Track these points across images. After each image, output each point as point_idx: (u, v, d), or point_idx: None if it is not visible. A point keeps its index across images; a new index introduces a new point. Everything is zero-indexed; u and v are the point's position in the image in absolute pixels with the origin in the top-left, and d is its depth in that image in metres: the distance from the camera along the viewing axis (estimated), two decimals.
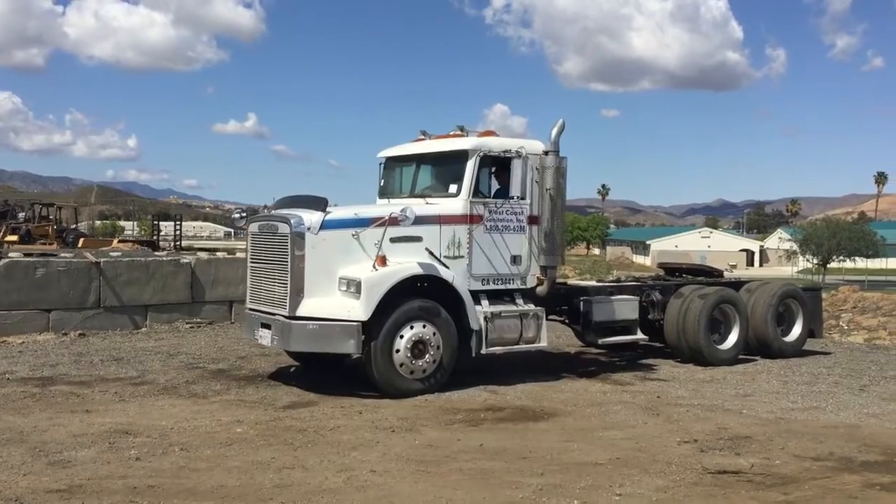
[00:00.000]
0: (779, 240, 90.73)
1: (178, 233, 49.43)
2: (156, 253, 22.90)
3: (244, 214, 11.88)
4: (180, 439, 7.85)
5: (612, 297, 12.55)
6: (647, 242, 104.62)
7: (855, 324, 19.05)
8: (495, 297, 11.03)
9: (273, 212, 11.09)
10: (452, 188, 10.95)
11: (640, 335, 12.70)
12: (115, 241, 37.59)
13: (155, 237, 46.94)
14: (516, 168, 10.77)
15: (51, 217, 41.83)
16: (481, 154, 10.85)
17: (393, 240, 10.16)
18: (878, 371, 12.99)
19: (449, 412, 9.32)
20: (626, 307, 12.54)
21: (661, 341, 13.58)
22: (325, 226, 10.01)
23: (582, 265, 52.14)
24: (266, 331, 10.30)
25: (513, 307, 11.05)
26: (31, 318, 14.33)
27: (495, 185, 11.24)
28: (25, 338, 13.89)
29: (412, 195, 11.57)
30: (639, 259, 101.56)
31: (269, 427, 8.42)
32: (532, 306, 11.18)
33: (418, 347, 10.03)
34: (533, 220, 11.24)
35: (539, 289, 11.37)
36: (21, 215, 40.48)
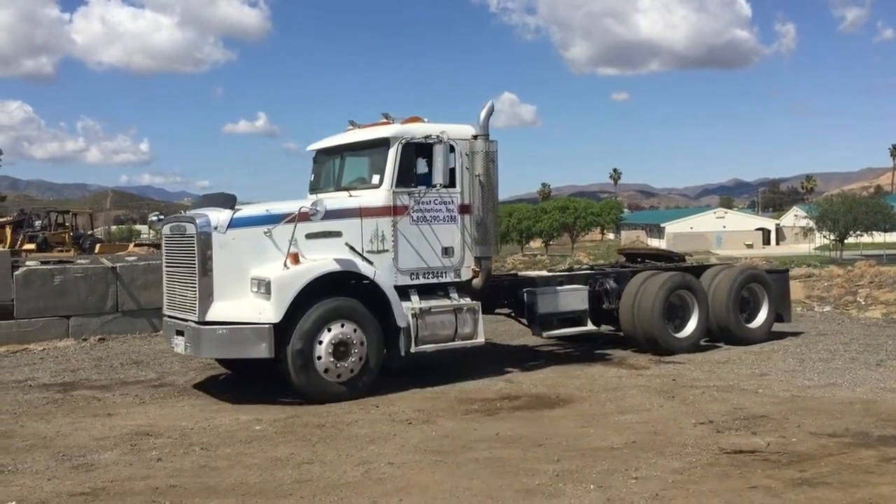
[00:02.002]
0: (795, 217, 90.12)
1: None
2: None
3: (161, 216, 11.42)
4: (200, 439, 7.96)
5: (560, 288, 12.01)
6: (662, 225, 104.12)
7: (872, 299, 18.94)
8: (428, 291, 10.52)
9: (183, 212, 10.72)
10: (375, 179, 10.45)
11: (590, 326, 12.12)
12: (132, 245, 37.89)
13: None
14: (438, 154, 10.13)
15: (67, 224, 42.15)
16: (403, 141, 10.33)
17: (309, 236, 9.71)
18: (895, 346, 12.94)
19: (465, 402, 9.38)
20: (574, 297, 11.98)
21: (618, 330, 13.19)
22: (233, 224, 9.52)
23: (596, 250, 52.00)
24: (180, 338, 9.77)
25: (446, 302, 10.53)
26: (51, 325, 14.53)
27: (424, 174, 10.66)
28: (46, 344, 14.09)
29: (338, 188, 11.10)
30: (654, 242, 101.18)
31: (287, 424, 8.52)
32: (468, 300, 10.67)
33: (341, 349, 9.46)
34: (464, 209, 10.73)
35: (475, 281, 10.84)
36: (37, 223, 40.81)
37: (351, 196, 10.48)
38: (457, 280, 10.75)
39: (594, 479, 6.46)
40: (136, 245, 37.70)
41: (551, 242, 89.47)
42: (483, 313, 11.33)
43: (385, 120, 10.96)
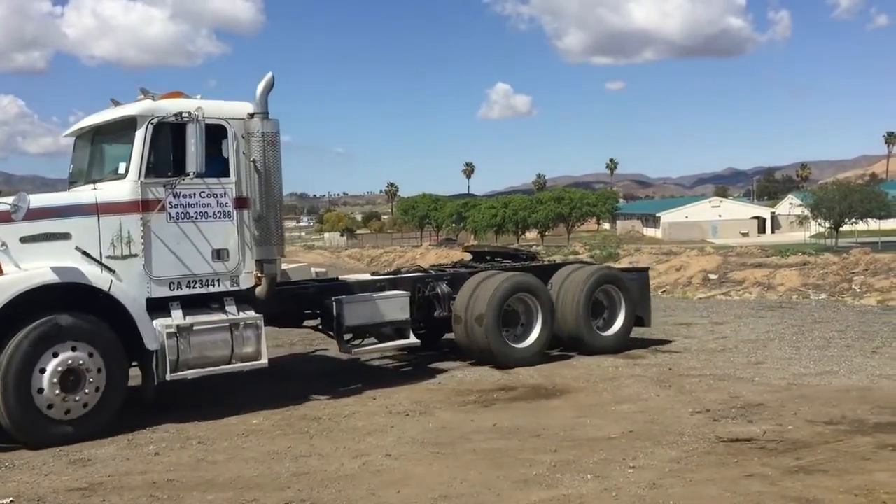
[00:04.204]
0: (790, 205, 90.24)
1: None
2: None
3: None
4: (198, 433, 7.97)
5: (375, 295, 10.27)
6: (658, 215, 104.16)
7: (867, 286, 18.97)
8: (198, 304, 8.77)
9: None
10: (122, 167, 8.64)
11: (412, 339, 10.43)
12: None
13: None
14: (192, 135, 8.32)
15: None
16: (154, 121, 8.51)
17: (25, 240, 7.96)
18: (890, 332, 12.98)
19: (462, 394, 9.39)
20: (391, 306, 10.19)
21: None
22: None
23: (592, 241, 52.06)
24: None
25: (219, 317, 8.72)
26: None
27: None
28: None
29: (88, 180, 9.25)
30: (650, 232, 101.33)
31: (284, 417, 8.53)
32: (251, 313, 8.90)
33: (70, 378, 7.73)
34: (241, 202, 8.96)
35: (258, 290, 9.08)
36: None
37: (95, 189, 8.72)
38: (235, 289, 8.96)
39: (591, 468, 6.47)
40: None
41: (547, 233, 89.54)
42: (287, 327, 10.44)
43: (142, 96, 8.97)
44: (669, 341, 12.80)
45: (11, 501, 6.10)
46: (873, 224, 71.50)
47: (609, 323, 12.07)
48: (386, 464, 6.80)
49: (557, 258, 30.04)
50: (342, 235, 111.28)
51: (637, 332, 13.67)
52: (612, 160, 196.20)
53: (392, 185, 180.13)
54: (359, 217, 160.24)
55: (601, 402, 8.84)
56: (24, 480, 6.60)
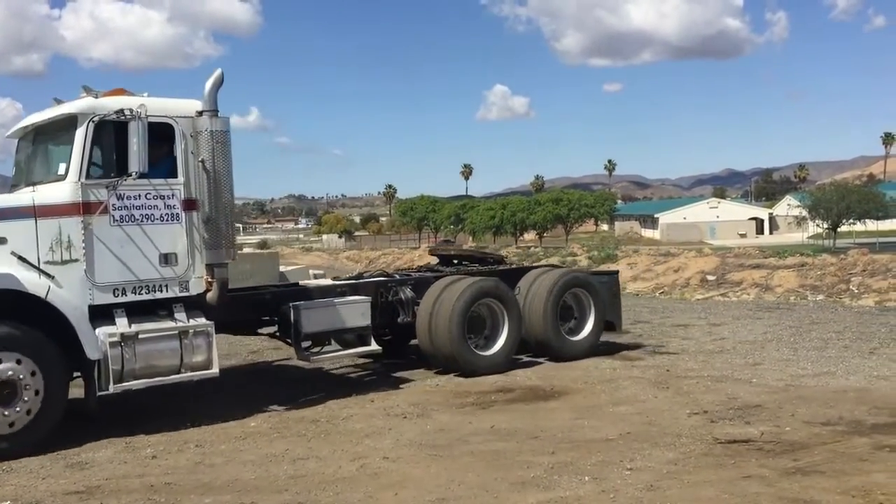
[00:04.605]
0: (788, 206, 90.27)
1: None
2: None
3: None
4: (195, 436, 7.96)
5: (334, 301, 9.90)
6: (656, 216, 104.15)
7: (865, 287, 19.00)
8: (146, 311, 8.39)
9: None
10: (62, 168, 8.29)
11: (373, 346, 10.08)
12: None
13: None
14: (133, 134, 7.96)
15: None
16: (96, 119, 8.17)
17: None
18: (887, 333, 13.00)
19: (460, 395, 9.39)
20: (351, 312, 9.85)
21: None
22: None
23: (590, 242, 52.07)
24: None
25: (167, 324, 8.36)
26: None
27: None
28: None
29: (28, 182, 8.91)
30: (648, 233, 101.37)
31: (282, 420, 8.53)
32: (201, 320, 8.53)
33: (5, 391, 7.46)
34: (190, 204, 8.61)
35: (209, 295, 8.70)
36: None
37: (34, 192, 8.35)
38: (184, 295, 8.61)
39: (589, 470, 6.47)
40: None
41: (545, 234, 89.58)
42: (243, 334, 10.12)
43: (84, 94, 8.60)
44: (667, 342, 12.80)
45: None
46: (871, 225, 71.56)
47: (578, 327, 11.77)
48: (384, 466, 6.80)
49: (555, 259, 30.09)
50: (340, 237, 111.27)
51: (635, 333, 13.68)
52: (610, 161, 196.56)
53: (390, 186, 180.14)
54: (357, 219, 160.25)
55: (599, 403, 8.84)
56: (21, 484, 6.60)
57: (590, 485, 6.13)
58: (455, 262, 13.03)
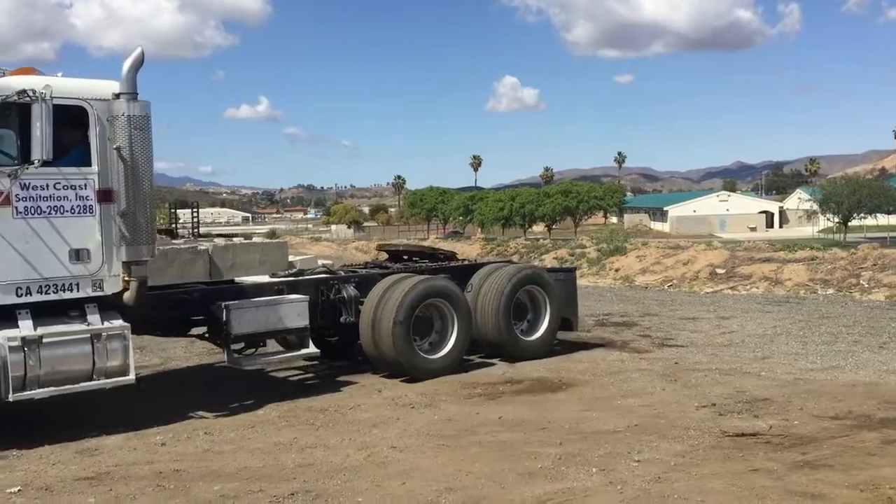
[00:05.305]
0: (798, 200, 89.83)
1: (195, 220, 49.99)
2: (174, 241, 23.11)
3: None
4: (204, 423, 8.00)
5: (268, 300, 9.25)
6: (665, 209, 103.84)
7: (875, 281, 18.92)
8: (56, 312, 7.68)
9: None
10: None
11: (311, 349, 9.36)
12: None
13: (173, 225, 47.41)
14: (37, 117, 7.29)
15: None
16: None
17: None
18: None
19: (468, 386, 9.40)
20: (287, 312, 9.19)
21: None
22: None
23: (599, 235, 51.97)
24: None
25: (77, 326, 7.69)
26: None
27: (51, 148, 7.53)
28: None
29: None
30: (657, 226, 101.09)
31: (290, 408, 8.55)
32: (117, 322, 7.85)
33: None
34: (105, 195, 7.82)
35: (125, 295, 7.96)
36: None
37: None
38: (99, 294, 7.88)
39: (596, 462, 6.48)
40: None
41: (554, 227, 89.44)
42: (172, 336, 9.53)
43: None
44: (676, 335, 12.78)
45: (19, 490, 6.14)
46: (882, 219, 71.21)
47: (533, 327, 11.26)
48: (391, 456, 6.81)
49: (564, 252, 30.04)
50: (349, 228, 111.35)
51: (644, 326, 13.65)
52: (619, 153, 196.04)
53: (399, 177, 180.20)
54: (366, 209, 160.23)
55: (607, 395, 8.84)
56: (31, 469, 6.64)
57: (597, 476, 6.14)
58: (405, 257, 12.35)
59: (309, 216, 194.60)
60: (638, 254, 27.03)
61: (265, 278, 10.10)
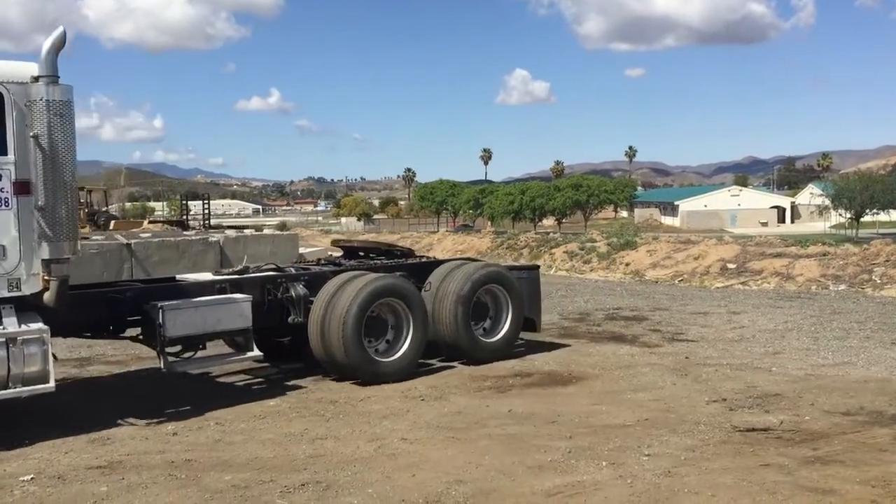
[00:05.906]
0: (810, 195, 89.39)
1: (206, 212, 50.12)
2: (185, 232, 23.21)
3: None
4: (215, 414, 8.03)
5: (208, 300, 8.61)
6: (676, 203, 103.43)
7: (888, 277, 18.82)
8: None
9: None
10: None
11: (254, 352, 8.70)
12: (146, 222, 38.09)
13: (184, 217, 47.56)
14: None
15: (82, 201, 42.33)
16: None
17: None
18: None
19: (478, 379, 9.41)
20: (228, 312, 8.56)
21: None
22: None
23: (609, 229, 51.83)
24: None
25: None
26: None
27: None
28: None
29: None
30: (668, 220, 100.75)
31: (301, 399, 8.58)
32: (35, 325, 7.23)
33: None
34: (22, 187, 7.18)
35: (45, 296, 7.36)
36: None
37: None
38: (15, 295, 7.28)
39: (606, 456, 6.47)
40: (150, 222, 37.92)
41: (564, 220, 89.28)
42: (103, 338, 9.05)
43: None
44: (686, 330, 12.75)
45: (32, 478, 6.18)
46: (894, 215, 70.79)
47: (494, 327, 10.75)
48: (401, 447, 6.83)
49: (574, 245, 29.98)
50: (359, 220, 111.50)
51: (654, 320, 13.61)
52: (630, 148, 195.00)
53: (409, 170, 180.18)
54: (376, 202, 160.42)
55: (617, 389, 8.83)
56: (44, 458, 6.69)
57: (607, 470, 6.14)
58: (360, 254, 11.82)
59: (319, 208, 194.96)
60: (648, 248, 26.97)
61: (207, 276, 9.62)
